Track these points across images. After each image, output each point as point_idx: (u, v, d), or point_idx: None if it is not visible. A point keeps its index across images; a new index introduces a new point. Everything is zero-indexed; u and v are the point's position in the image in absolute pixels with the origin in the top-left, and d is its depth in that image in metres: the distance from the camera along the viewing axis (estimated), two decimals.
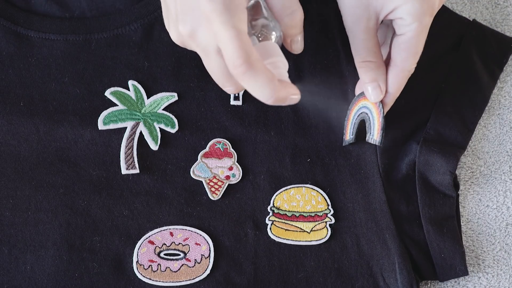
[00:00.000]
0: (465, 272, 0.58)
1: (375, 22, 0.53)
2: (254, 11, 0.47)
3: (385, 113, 0.56)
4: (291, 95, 0.46)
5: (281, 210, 0.58)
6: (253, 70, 0.43)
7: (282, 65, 0.48)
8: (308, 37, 0.61)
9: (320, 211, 0.58)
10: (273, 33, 0.48)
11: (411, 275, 0.56)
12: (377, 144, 0.56)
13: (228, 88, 0.48)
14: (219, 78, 0.48)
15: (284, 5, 0.48)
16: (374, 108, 0.56)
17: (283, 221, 0.58)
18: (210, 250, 0.57)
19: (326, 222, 0.58)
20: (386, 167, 0.59)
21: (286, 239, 0.58)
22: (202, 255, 0.57)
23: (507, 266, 0.60)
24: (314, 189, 0.59)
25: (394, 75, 0.54)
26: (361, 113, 0.57)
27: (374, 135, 0.56)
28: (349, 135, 0.58)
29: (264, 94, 0.44)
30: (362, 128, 0.58)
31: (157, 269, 0.56)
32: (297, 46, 0.51)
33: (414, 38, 0.52)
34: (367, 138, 0.57)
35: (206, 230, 0.57)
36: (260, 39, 0.48)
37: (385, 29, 0.58)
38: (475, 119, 0.61)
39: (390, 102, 0.56)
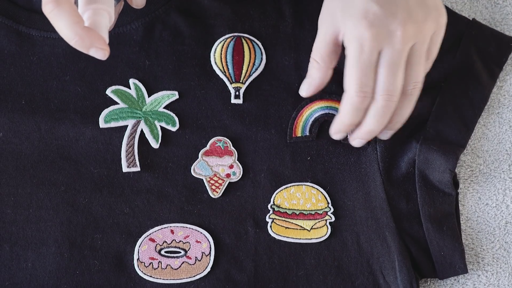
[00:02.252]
0: (464, 270, 0.58)
1: (331, 33, 0.54)
2: None
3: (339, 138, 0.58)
4: (96, 45, 0.46)
5: (281, 208, 0.58)
6: (58, 8, 0.45)
7: (105, 13, 0.49)
8: (308, 36, 0.61)
9: (320, 209, 0.59)
10: None
11: (411, 273, 0.56)
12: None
13: (73, 41, 0.47)
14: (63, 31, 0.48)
15: None
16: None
17: (283, 219, 0.58)
18: (210, 247, 0.57)
19: (326, 220, 0.58)
20: (386, 165, 0.59)
21: (286, 237, 0.58)
22: (202, 252, 0.57)
23: (507, 264, 0.60)
24: (314, 187, 0.59)
25: (343, 97, 0.54)
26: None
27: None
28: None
29: (65, 34, 0.46)
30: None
31: (158, 266, 0.56)
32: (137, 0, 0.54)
33: (350, 59, 0.52)
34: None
35: (206, 228, 0.58)
36: None
37: None
38: (474, 118, 0.61)
39: (338, 125, 0.56)
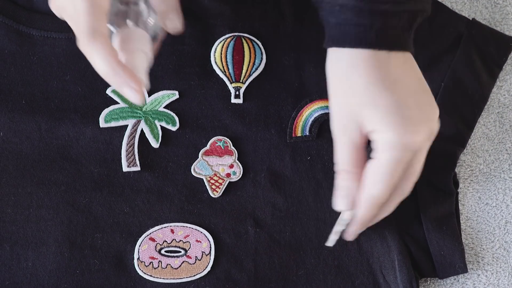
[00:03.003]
0: (464, 270, 0.58)
1: (359, 136, 0.50)
2: None
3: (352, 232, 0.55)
4: (130, 85, 0.45)
5: None
6: (93, 43, 0.44)
7: (141, 54, 0.48)
8: (308, 36, 0.62)
9: None
10: (148, 20, 0.49)
11: (411, 272, 0.56)
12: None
13: (108, 77, 0.46)
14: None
15: None
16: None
17: None
18: (210, 247, 0.57)
19: None
20: None
21: None
22: (202, 252, 0.57)
23: (506, 263, 0.60)
24: None
25: (362, 197, 0.51)
26: None
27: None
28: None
29: (100, 69, 0.45)
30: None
31: (158, 266, 0.56)
32: (172, 24, 0.53)
33: (382, 167, 0.49)
34: None
35: (206, 227, 0.58)
36: (137, 24, 0.49)
37: None
38: (474, 118, 0.62)
39: (357, 225, 0.53)
